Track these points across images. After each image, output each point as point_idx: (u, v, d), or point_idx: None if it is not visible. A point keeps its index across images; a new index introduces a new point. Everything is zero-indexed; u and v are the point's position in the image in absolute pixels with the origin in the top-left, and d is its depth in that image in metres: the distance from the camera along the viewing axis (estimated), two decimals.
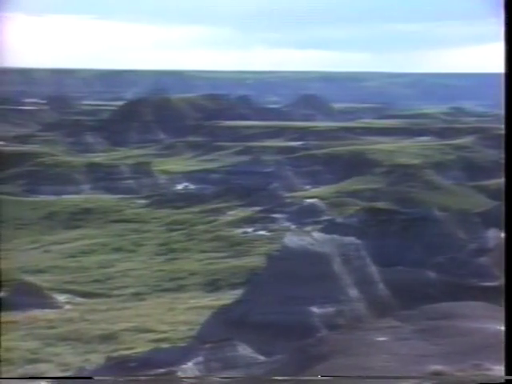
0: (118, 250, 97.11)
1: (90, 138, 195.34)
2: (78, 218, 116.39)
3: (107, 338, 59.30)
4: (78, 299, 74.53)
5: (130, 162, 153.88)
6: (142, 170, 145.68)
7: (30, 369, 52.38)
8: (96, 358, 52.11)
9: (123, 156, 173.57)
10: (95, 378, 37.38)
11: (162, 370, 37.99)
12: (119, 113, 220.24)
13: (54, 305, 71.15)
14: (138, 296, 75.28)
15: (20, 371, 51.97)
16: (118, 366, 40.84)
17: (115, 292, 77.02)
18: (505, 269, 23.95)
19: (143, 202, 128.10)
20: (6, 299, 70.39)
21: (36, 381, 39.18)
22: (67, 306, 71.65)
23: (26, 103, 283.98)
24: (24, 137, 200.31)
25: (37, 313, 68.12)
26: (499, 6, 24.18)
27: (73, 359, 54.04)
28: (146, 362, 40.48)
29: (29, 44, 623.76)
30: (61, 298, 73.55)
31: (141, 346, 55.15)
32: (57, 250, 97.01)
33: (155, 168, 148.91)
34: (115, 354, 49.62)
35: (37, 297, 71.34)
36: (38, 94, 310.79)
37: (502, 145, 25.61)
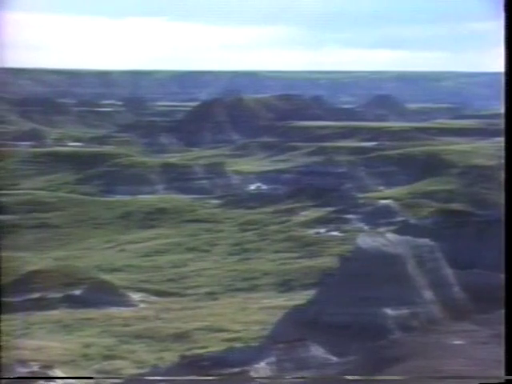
0: (191, 249, 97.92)
1: (164, 139, 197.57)
2: (153, 217, 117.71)
3: (181, 336, 59.87)
4: (153, 298, 75.40)
5: (203, 162, 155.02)
6: (215, 170, 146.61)
7: (106, 365, 53.28)
8: (170, 357, 52.66)
9: (197, 156, 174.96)
10: (95, 378, 37.74)
11: (235, 370, 38.18)
12: (193, 113, 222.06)
13: (129, 303, 72.15)
14: (211, 295, 75.79)
15: (97, 367, 52.93)
16: (192, 364, 41.20)
17: (189, 291, 77.68)
18: (505, 269, 23.93)
19: (216, 202, 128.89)
20: (83, 296, 71.72)
21: (36, 381, 39.68)
22: (142, 305, 72.56)
23: (103, 105, 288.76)
24: (101, 138, 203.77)
25: (112, 310, 69.20)
26: None
27: (147, 357, 54.73)
28: (219, 361, 40.75)
29: (107, 47, 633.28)
30: (136, 296, 74.52)
31: (214, 345, 55.52)
32: (132, 250, 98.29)
33: (228, 168, 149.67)
34: (189, 353, 50.07)
35: (112, 295, 72.49)
36: (115, 96, 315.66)
37: None
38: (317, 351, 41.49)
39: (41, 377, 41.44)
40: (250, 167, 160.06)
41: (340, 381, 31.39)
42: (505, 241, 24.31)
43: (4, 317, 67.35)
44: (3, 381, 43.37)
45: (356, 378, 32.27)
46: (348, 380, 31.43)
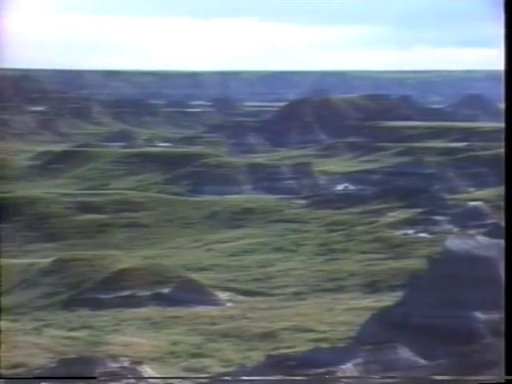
0: (278, 249, 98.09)
1: (252, 139, 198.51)
2: (240, 217, 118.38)
3: (267, 336, 60.03)
4: (239, 297, 75.81)
5: (290, 162, 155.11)
6: (302, 170, 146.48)
7: (194, 363, 53.84)
8: (256, 356, 52.86)
9: (284, 156, 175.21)
10: (95, 378, 37.83)
11: (321, 370, 38.08)
12: (281, 114, 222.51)
13: (215, 302, 72.75)
14: (297, 295, 75.76)
15: (184, 365, 53.52)
16: (278, 364, 41.26)
17: (275, 291, 77.83)
18: (505, 268, 23.54)
19: (303, 202, 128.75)
20: (171, 295, 72.64)
21: (36, 381, 39.94)
22: (229, 304, 73.05)
23: (192, 105, 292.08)
24: (189, 138, 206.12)
25: (200, 309, 69.89)
26: None
27: (234, 356, 55.07)
28: (305, 362, 40.69)
29: (197, 48, 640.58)
30: (222, 295, 75.05)
31: (300, 346, 55.48)
32: (219, 249, 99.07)
33: (315, 168, 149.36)
34: (275, 353, 50.16)
35: (200, 294, 73.22)
36: (204, 97, 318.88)
37: None
38: (404, 353, 41.05)
39: (41, 377, 41.90)
40: (337, 167, 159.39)
41: (425, 380, 30.97)
42: (505, 241, 23.94)
43: (96, 313, 68.87)
44: (3, 381, 43.98)
45: (444, 377, 31.80)
46: (434, 380, 31.00)
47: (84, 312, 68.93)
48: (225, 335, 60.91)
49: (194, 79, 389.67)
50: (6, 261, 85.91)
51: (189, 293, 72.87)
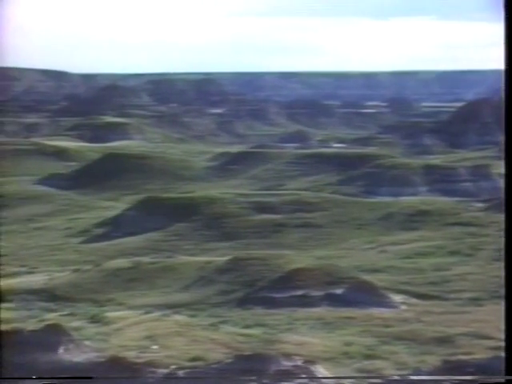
0: (454, 253, 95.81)
1: (427, 140, 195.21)
2: (415, 219, 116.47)
3: (443, 340, 58.77)
4: (414, 300, 74.62)
5: (468, 164, 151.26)
6: (480, 172, 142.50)
7: (367, 364, 53.51)
8: (432, 360, 51.86)
9: (461, 158, 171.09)
10: (95, 377, 37.13)
11: (501, 380, 36.83)
12: (458, 114, 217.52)
13: (389, 304, 71.96)
14: (475, 301, 73.71)
15: (357, 366, 53.30)
16: (455, 369, 40.31)
17: (451, 295, 76.08)
18: (505, 268, 20.74)
19: (481, 205, 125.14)
20: (344, 295, 72.48)
21: (36, 381, 39.61)
22: (403, 307, 72.07)
23: (368, 106, 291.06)
24: (364, 139, 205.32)
25: (373, 311, 69.36)
26: None
27: (408, 359, 54.27)
28: (484, 369, 39.53)
29: (373, 48, 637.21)
30: (396, 298, 74.14)
31: (479, 353, 53.92)
32: (393, 251, 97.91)
33: (494, 171, 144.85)
34: (452, 358, 49.01)
35: (373, 295, 72.66)
36: (380, 97, 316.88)
37: None
38: None
39: (41, 377, 42.07)
40: None
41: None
42: (505, 240, 22.74)
43: (270, 311, 69.83)
44: (3, 381, 44.49)
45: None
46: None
47: (258, 310, 70.00)
48: (399, 338, 60.13)
49: (369, 79, 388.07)
50: (185, 258, 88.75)
51: (362, 294, 72.49)
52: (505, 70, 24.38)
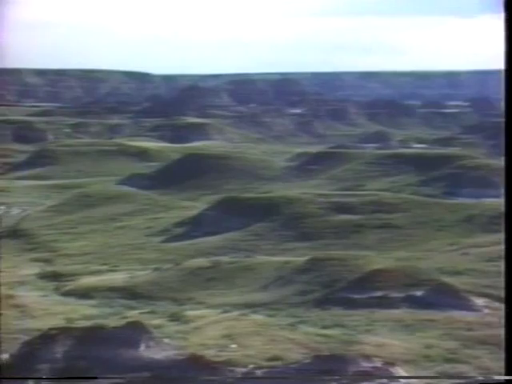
0: None
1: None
2: (498, 221, 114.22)
3: None
4: (497, 304, 73.12)
5: None
6: None
7: (449, 368, 52.67)
8: None
9: None
10: (99, 377, 36.50)
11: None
12: None
13: (471, 307, 70.71)
14: None
15: (438, 369, 52.50)
16: None
17: None
18: (505, 268, 23.31)
19: None
20: (424, 298, 71.56)
21: (36, 381, 39.08)
22: (485, 310, 70.72)
23: (449, 106, 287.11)
24: (445, 140, 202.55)
25: (454, 314, 68.26)
26: None
27: (492, 364, 53.21)
28: None
29: (456, 46, 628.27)
30: (479, 301, 72.79)
31: None
32: (475, 253, 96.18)
33: None
34: None
35: (454, 298, 71.51)
36: (462, 97, 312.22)
37: None
38: None
39: (41, 377, 41.70)
40: None
41: None
42: (505, 239, 23.60)
43: (349, 312, 69.38)
44: (3, 381, 44.20)
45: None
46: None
47: (337, 311, 69.63)
48: (482, 342, 58.99)
49: (450, 79, 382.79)
50: (264, 258, 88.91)
51: (443, 296, 71.41)
52: (505, 70, 24.10)
